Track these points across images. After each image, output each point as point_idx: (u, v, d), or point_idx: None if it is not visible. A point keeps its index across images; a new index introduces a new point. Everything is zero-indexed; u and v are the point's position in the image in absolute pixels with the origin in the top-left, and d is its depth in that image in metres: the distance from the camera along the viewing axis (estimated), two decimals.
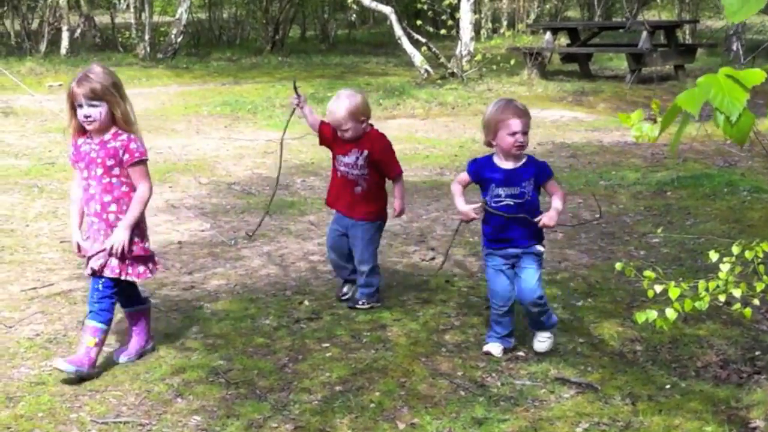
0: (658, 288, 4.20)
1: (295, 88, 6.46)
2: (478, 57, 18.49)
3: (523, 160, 5.51)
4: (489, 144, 5.52)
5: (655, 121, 3.51)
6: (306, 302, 6.67)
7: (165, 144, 12.81)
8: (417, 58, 19.29)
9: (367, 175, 6.30)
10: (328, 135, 6.42)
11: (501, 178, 5.44)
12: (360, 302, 6.46)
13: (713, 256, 4.20)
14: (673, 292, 4.13)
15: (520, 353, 5.70)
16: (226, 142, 13.05)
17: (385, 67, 22.90)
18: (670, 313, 4.13)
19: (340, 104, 6.20)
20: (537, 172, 5.51)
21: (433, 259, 7.74)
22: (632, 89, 17.90)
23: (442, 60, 19.18)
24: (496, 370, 5.47)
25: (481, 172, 5.54)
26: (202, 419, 4.91)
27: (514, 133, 5.35)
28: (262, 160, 11.74)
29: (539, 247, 5.55)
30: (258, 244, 8.27)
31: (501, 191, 5.44)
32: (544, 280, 6.99)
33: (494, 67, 18.26)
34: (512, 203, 5.43)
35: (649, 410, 4.94)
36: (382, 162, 6.31)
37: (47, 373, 5.44)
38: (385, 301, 6.63)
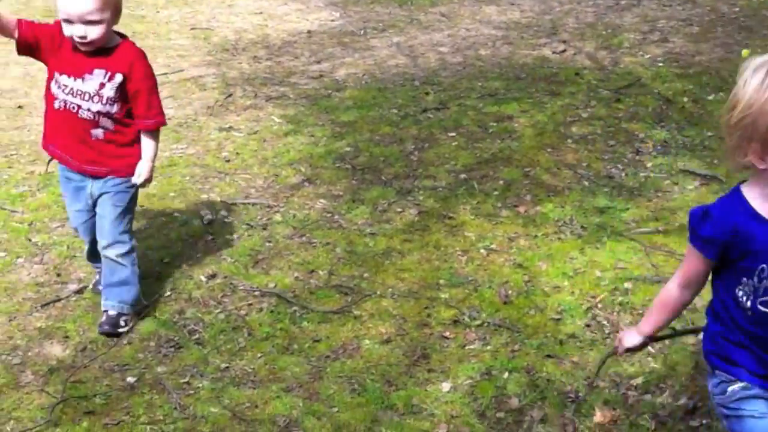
0: None
1: None
2: None
3: None
4: (749, 165, 2.37)
5: None
6: (433, 92, 6.62)
7: None
8: None
9: (117, 113, 3.77)
10: (35, 39, 3.73)
11: None
12: (122, 320, 3.87)
13: None
14: None
15: (647, 146, 5.57)
16: None
17: None
18: None
19: None
20: None
21: (563, 51, 7.51)
22: None
23: None
24: (621, 161, 5.36)
25: (738, 235, 2.39)
26: (327, 203, 5.01)
27: None
28: None
29: None
30: (387, 35, 8.19)
31: None
32: (675, 74, 6.78)
33: None
34: None
35: None
36: (140, 95, 3.77)
37: (178, 156, 5.62)
38: (513, 92, 6.52)
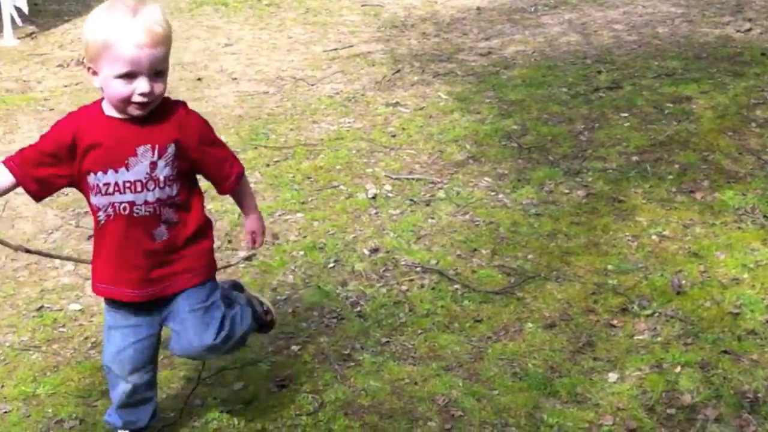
0: None
1: None
2: None
3: None
4: None
5: None
6: (606, 71, 6.40)
7: None
8: None
9: (178, 195, 2.75)
10: (45, 158, 2.67)
11: None
12: None
13: None
14: None
15: None
16: None
17: None
18: None
19: (154, 18, 2.56)
20: None
21: (749, 30, 7.13)
22: None
23: None
24: None
25: None
26: (492, 181, 4.91)
27: None
28: None
29: None
30: (559, 12, 7.99)
31: None
32: None
33: None
34: None
35: None
36: (207, 157, 2.79)
37: (345, 129, 5.63)
38: (692, 73, 6.22)
